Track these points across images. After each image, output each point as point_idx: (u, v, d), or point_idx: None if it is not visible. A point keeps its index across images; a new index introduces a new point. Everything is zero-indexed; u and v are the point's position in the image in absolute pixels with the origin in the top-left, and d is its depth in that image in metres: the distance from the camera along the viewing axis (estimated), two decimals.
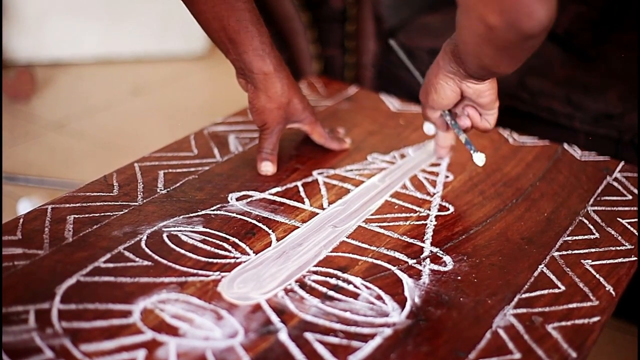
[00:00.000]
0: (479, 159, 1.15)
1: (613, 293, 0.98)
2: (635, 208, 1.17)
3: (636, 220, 1.14)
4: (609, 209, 1.16)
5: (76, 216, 1.02)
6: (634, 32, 1.83)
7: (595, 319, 0.93)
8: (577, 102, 1.65)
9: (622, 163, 1.29)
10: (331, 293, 0.93)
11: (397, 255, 1.01)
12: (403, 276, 0.97)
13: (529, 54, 0.99)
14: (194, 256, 0.97)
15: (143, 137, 2.33)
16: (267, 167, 1.16)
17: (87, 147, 2.32)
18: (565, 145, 1.33)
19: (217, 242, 1.00)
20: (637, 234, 1.10)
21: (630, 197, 1.20)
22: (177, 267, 0.95)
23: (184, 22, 2.82)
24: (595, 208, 1.16)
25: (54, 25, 2.81)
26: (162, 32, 2.92)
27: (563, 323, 0.92)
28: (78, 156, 2.28)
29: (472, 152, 1.15)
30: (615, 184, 1.23)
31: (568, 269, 1.01)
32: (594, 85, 1.68)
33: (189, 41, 2.95)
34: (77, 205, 1.05)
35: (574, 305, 0.95)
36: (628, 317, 1.71)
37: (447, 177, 1.21)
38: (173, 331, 0.84)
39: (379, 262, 0.99)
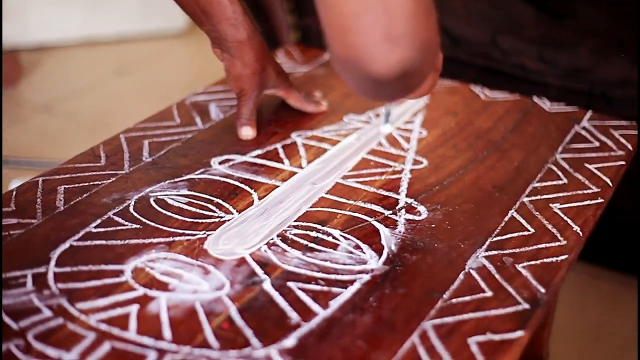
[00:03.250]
0: (386, 128, 1.24)
1: (580, 233, 1.04)
2: (603, 154, 1.22)
3: (603, 165, 1.19)
4: (577, 155, 1.21)
5: (66, 186, 1.07)
6: None
7: (563, 257, 0.98)
8: (548, 59, 1.70)
9: (589, 112, 1.34)
10: (312, 245, 0.98)
11: (374, 207, 1.06)
12: (380, 226, 1.02)
13: (404, 93, 0.94)
14: (180, 217, 1.02)
15: (129, 115, 2.36)
16: (247, 132, 1.21)
17: (75, 128, 2.37)
18: (535, 98, 1.38)
19: (202, 203, 1.05)
20: (603, 178, 1.15)
21: (597, 144, 1.25)
22: (165, 228, 0.99)
23: (163, 1, 2.86)
24: (564, 155, 1.21)
25: (37, 9, 2.84)
26: (143, 12, 2.96)
27: (532, 262, 0.97)
28: (67, 137, 2.32)
29: (384, 122, 1.23)
30: (583, 132, 1.28)
31: (537, 213, 1.06)
32: (565, 41, 1.73)
33: (169, 19, 2.99)
34: (67, 176, 1.09)
35: (543, 245, 1.00)
36: (627, 269, 1.77)
37: (420, 133, 1.26)
38: (163, 287, 0.89)
39: (356, 214, 1.04)
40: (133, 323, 0.84)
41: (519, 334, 0.85)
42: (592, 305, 1.73)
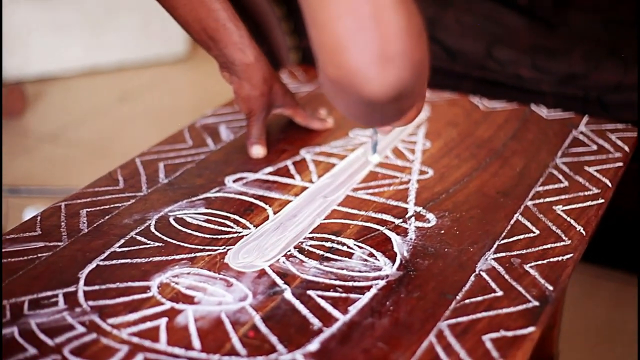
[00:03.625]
0: (374, 159, 1.25)
1: (583, 232, 1.08)
2: (601, 156, 1.27)
3: (602, 167, 1.23)
4: (576, 159, 1.26)
5: (88, 210, 1.11)
6: None
7: (569, 256, 1.03)
8: (542, 67, 1.75)
9: (586, 117, 1.39)
10: (327, 255, 1.02)
11: (384, 217, 1.10)
12: (391, 234, 1.07)
13: (396, 117, 0.94)
14: (200, 234, 1.06)
15: (134, 140, 2.43)
16: (258, 151, 1.25)
17: (82, 155, 2.42)
18: (533, 106, 1.43)
19: (220, 220, 1.09)
20: (603, 179, 1.20)
21: (595, 147, 1.30)
22: (186, 245, 1.04)
23: (163, 28, 2.92)
24: (564, 160, 1.26)
25: (39, 41, 2.90)
26: (143, 39, 3.02)
27: (539, 262, 1.01)
28: (74, 164, 2.37)
29: (371, 153, 1.24)
30: (581, 136, 1.33)
31: (541, 215, 1.11)
32: (558, 49, 1.78)
33: (169, 45, 3.04)
34: (88, 200, 1.14)
35: (549, 246, 1.05)
36: (628, 268, 1.81)
37: (424, 144, 1.30)
38: (189, 300, 0.94)
39: (368, 224, 1.09)
40: (163, 335, 0.88)
41: (530, 329, 0.90)
42: (597, 304, 1.77)
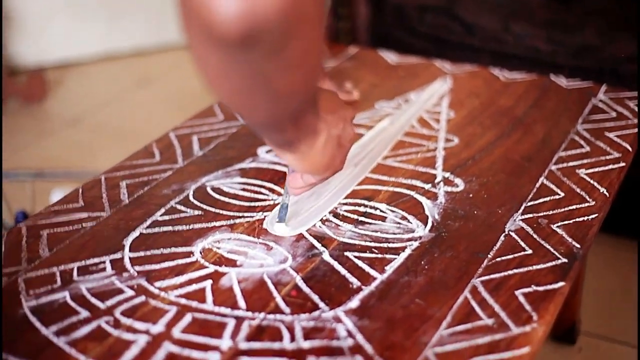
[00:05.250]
0: (279, 229, 1.04)
1: (607, 194, 1.12)
2: (621, 122, 1.30)
3: (622, 133, 1.27)
4: (596, 126, 1.29)
5: (128, 181, 1.15)
6: None
7: (593, 216, 1.07)
8: (558, 40, 1.78)
9: (604, 86, 1.42)
10: (362, 219, 1.06)
11: (414, 182, 1.14)
12: (422, 199, 1.10)
13: (266, 96, 0.73)
14: (237, 202, 1.10)
15: (153, 124, 2.46)
16: None
17: (104, 139, 2.46)
18: (552, 76, 1.46)
19: (255, 188, 1.13)
20: (623, 144, 1.23)
21: (614, 114, 1.33)
22: (224, 212, 1.08)
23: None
24: (585, 126, 1.29)
25: (57, 28, 2.94)
26: (160, 24, 3.05)
27: (566, 222, 1.05)
28: (95, 147, 2.41)
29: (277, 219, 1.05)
30: (600, 104, 1.37)
31: (565, 178, 1.15)
32: (573, 24, 1.81)
33: None
34: (127, 172, 1.18)
35: (574, 207, 1.08)
36: (628, 233, 1.85)
37: (448, 114, 1.34)
38: (232, 263, 0.98)
39: (399, 189, 1.12)
40: (209, 296, 0.92)
41: (560, 284, 0.93)
42: (615, 273, 1.81)
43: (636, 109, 1.35)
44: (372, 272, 0.96)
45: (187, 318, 0.89)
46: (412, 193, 1.12)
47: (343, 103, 0.96)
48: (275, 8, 0.61)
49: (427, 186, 1.13)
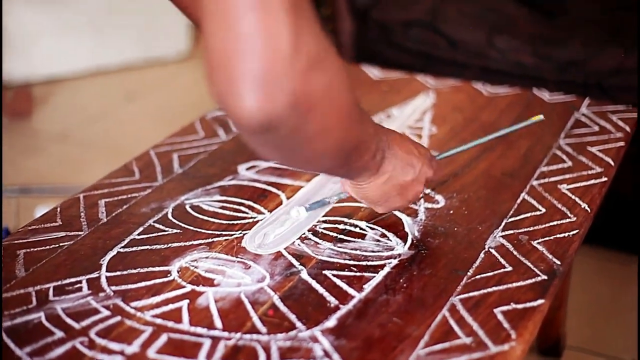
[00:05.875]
0: (300, 212, 1.08)
1: (588, 209, 1.11)
2: (603, 137, 1.30)
3: (604, 147, 1.27)
4: (578, 140, 1.29)
5: (106, 200, 1.15)
6: None
7: (574, 232, 1.06)
8: (543, 54, 1.78)
9: (587, 99, 1.42)
10: (341, 236, 1.05)
11: None
12: (402, 216, 1.10)
13: (301, 160, 0.85)
14: (216, 220, 1.09)
15: (141, 138, 2.45)
16: None
17: (91, 154, 2.45)
18: (535, 90, 1.46)
19: (235, 206, 1.13)
20: (605, 158, 1.23)
21: (597, 128, 1.33)
22: (203, 230, 1.07)
23: (165, 27, 2.96)
24: (567, 141, 1.29)
25: (45, 44, 2.93)
26: (147, 39, 3.05)
27: (546, 238, 1.05)
28: (84, 163, 2.40)
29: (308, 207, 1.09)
30: (583, 118, 1.36)
31: (547, 194, 1.14)
32: (558, 37, 1.81)
33: (172, 45, 3.08)
34: (105, 191, 1.17)
35: (555, 223, 1.08)
36: (629, 249, 1.84)
37: (430, 130, 1.34)
38: (209, 282, 0.97)
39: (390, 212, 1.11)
40: (185, 316, 0.91)
41: (539, 302, 0.93)
42: (602, 285, 1.80)
43: (619, 122, 1.35)
44: (350, 291, 0.95)
45: (163, 338, 0.88)
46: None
47: (418, 151, 1.01)
48: (284, 107, 0.71)
49: None
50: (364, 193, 1.01)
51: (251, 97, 0.70)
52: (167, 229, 1.08)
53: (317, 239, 1.05)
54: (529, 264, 0.99)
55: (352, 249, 1.03)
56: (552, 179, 1.18)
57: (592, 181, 1.18)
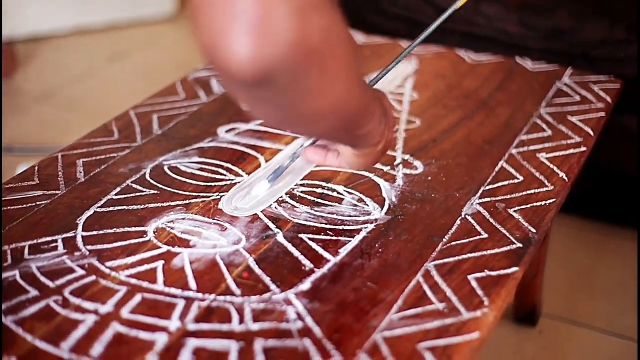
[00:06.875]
0: (262, 188, 1.06)
1: (566, 179, 1.12)
2: (584, 107, 1.30)
3: (585, 117, 1.27)
4: (559, 110, 1.29)
5: (85, 160, 1.14)
6: None
7: (551, 201, 1.06)
8: (529, 23, 1.77)
9: (570, 69, 1.42)
10: (318, 200, 1.06)
11: None
12: (380, 181, 1.10)
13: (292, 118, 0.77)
14: (194, 182, 1.09)
15: (125, 99, 2.43)
16: None
17: (75, 115, 2.44)
18: (518, 59, 1.46)
19: (213, 168, 1.12)
20: (585, 129, 1.23)
21: (578, 98, 1.33)
22: (181, 192, 1.07)
23: None
24: (548, 110, 1.29)
25: (29, 1, 2.90)
26: None
27: (523, 207, 1.05)
28: (67, 123, 2.39)
29: (269, 178, 1.07)
30: (565, 88, 1.36)
31: (525, 162, 1.14)
32: (546, 7, 1.80)
33: (158, 5, 3.06)
34: (84, 150, 1.17)
35: (532, 191, 1.08)
36: (628, 223, 1.85)
37: (412, 96, 1.33)
38: (185, 244, 0.97)
39: (357, 172, 1.12)
40: (160, 277, 0.91)
41: (514, 269, 0.93)
42: (580, 255, 1.81)
43: (601, 92, 1.35)
44: (326, 255, 0.95)
45: (137, 298, 0.88)
46: (370, 175, 1.11)
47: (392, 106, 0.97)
48: (282, 52, 0.65)
49: (386, 168, 1.13)
50: (364, 162, 0.96)
51: (245, 42, 0.64)
52: (144, 189, 1.08)
53: (294, 203, 1.05)
54: (504, 231, 1.00)
55: (329, 213, 1.03)
56: (532, 147, 1.18)
57: (571, 151, 1.18)
